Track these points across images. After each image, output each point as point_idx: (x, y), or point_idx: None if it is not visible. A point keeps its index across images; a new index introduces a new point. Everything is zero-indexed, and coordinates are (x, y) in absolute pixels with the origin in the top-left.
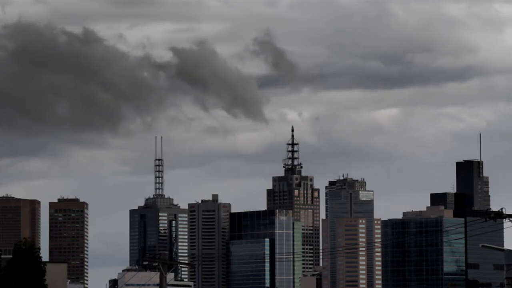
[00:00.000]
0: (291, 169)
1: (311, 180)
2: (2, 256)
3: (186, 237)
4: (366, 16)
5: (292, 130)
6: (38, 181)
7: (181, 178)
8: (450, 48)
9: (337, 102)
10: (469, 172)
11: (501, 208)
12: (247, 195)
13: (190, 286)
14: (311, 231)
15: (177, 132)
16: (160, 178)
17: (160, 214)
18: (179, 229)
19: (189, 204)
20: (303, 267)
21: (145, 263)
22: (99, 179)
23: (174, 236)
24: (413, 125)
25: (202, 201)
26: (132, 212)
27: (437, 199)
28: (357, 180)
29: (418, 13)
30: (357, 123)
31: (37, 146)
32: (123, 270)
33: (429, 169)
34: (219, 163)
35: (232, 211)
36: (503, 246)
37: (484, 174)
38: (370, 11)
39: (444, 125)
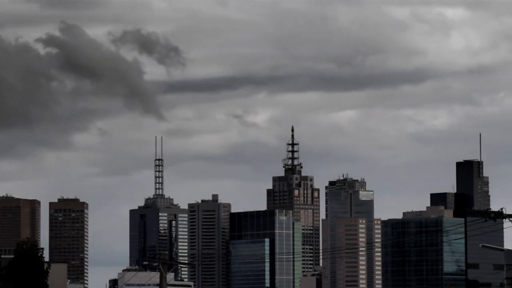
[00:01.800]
0: (291, 169)
1: (311, 180)
2: (2, 256)
3: (186, 237)
4: (311, 19)
5: (292, 130)
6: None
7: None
8: (398, 51)
9: (295, 105)
10: (469, 172)
11: (501, 208)
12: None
13: (190, 286)
14: (311, 231)
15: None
16: (160, 178)
17: (160, 214)
18: (179, 229)
19: (189, 204)
20: (303, 267)
21: (145, 263)
22: (70, 181)
23: (174, 236)
24: (372, 126)
25: (202, 201)
26: (132, 212)
27: (437, 199)
28: (357, 180)
29: (361, 16)
30: (317, 125)
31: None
32: (123, 270)
33: (401, 170)
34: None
35: (232, 211)
36: (503, 246)
37: (484, 174)
38: (314, 14)
39: (404, 127)
